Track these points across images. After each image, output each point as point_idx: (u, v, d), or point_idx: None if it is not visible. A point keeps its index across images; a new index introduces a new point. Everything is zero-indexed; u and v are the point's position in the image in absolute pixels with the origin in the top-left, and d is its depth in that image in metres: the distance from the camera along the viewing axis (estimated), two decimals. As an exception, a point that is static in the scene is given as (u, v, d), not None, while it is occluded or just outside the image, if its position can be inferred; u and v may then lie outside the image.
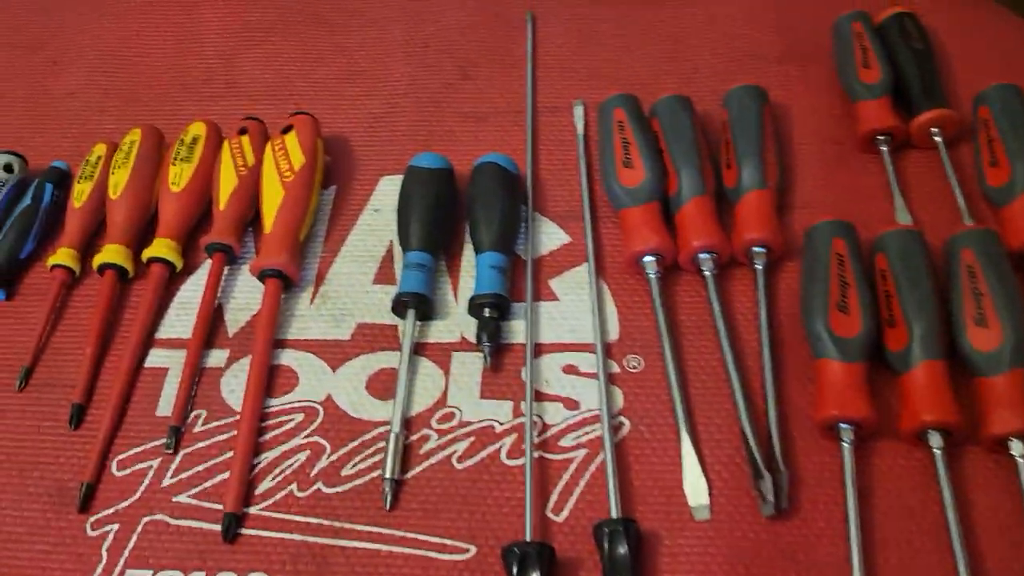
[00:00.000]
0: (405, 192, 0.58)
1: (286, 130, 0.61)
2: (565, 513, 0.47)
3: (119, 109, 0.70)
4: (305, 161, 0.59)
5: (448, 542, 0.47)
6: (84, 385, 0.54)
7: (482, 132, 0.64)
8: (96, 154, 0.63)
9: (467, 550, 0.46)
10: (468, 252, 0.58)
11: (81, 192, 0.61)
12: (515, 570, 0.43)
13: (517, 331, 0.54)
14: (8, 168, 0.63)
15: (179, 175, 0.60)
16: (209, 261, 0.59)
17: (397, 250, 0.58)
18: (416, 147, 0.62)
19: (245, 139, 0.61)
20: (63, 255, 0.59)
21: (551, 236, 0.58)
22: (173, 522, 0.49)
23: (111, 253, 0.58)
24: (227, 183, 0.59)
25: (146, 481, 0.51)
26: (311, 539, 0.48)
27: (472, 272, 0.57)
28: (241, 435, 0.51)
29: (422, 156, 0.59)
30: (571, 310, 0.55)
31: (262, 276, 0.56)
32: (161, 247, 0.58)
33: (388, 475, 0.49)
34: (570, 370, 0.52)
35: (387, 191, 0.62)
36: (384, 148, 0.65)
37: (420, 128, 0.65)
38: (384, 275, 0.58)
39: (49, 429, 0.53)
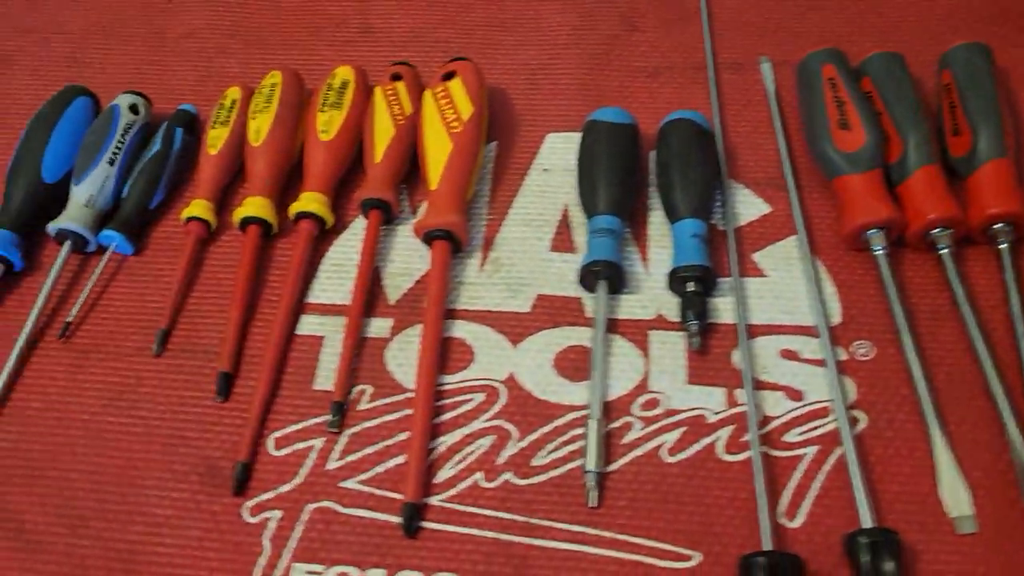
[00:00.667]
0: (587, 149, 0.52)
1: (448, 76, 0.54)
2: (800, 519, 0.41)
3: (244, 52, 0.64)
4: (474, 111, 0.53)
5: (666, 547, 0.41)
6: (230, 352, 0.48)
7: (658, 89, 0.58)
8: (230, 98, 0.56)
9: (690, 557, 0.40)
10: (655, 220, 0.52)
11: (216, 138, 0.55)
12: (762, 584, 0.37)
13: (723, 310, 0.48)
14: (134, 109, 0.57)
15: (328, 123, 0.54)
16: (360, 219, 0.53)
17: (574, 215, 0.52)
18: (585, 103, 0.56)
19: (400, 85, 0.55)
20: (199, 207, 0.53)
21: (748, 205, 0.52)
22: (343, 511, 0.43)
23: (255, 206, 0.52)
24: (382, 133, 0.53)
25: (309, 463, 0.45)
26: (504, 537, 0.42)
27: (660, 242, 0.51)
28: (417, 415, 0.45)
29: (604, 110, 0.53)
30: (782, 288, 0.48)
31: (428, 238, 0.50)
32: (311, 201, 0.52)
33: (591, 467, 0.42)
34: (789, 355, 0.46)
35: (556, 149, 0.55)
36: (548, 103, 0.58)
37: (587, 82, 0.59)
38: (562, 242, 0.52)
39: (193, 400, 0.47)
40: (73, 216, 0.52)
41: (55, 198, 0.54)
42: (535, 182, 0.54)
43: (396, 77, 0.55)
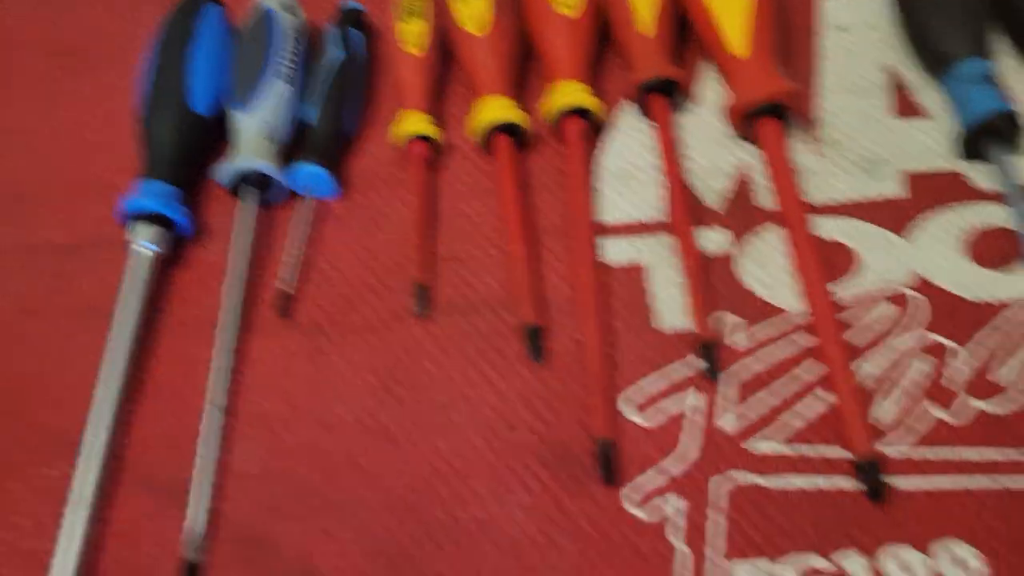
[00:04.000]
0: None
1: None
2: None
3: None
4: (758, -46, 0.41)
5: None
6: (532, 299, 0.36)
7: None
8: (417, -16, 0.44)
9: None
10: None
11: (414, 34, 0.41)
12: None
13: None
14: (291, 9, 0.43)
15: (569, -3, 0.41)
16: (626, 116, 0.41)
17: (907, 74, 0.41)
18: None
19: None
20: (418, 122, 0.40)
21: None
22: (772, 483, 0.31)
23: (500, 109, 0.39)
24: (647, -4, 0.41)
25: (693, 426, 0.33)
26: (1008, 481, 0.31)
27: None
28: (827, 340, 0.32)
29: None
30: None
31: (753, 116, 0.38)
32: (577, 93, 0.39)
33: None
34: None
35: (845, 4, 0.44)
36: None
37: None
38: (905, 106, 0.41)
39: (494, 368, 0.34)
40: (254, 151, 0.39)
41: (210, 135, 0.41)
42: (833, 43, 0.43)
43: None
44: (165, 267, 0.38)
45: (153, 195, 0.37)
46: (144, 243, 0.37)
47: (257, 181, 0.39)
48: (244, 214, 0.38)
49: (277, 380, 0.35)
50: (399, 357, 0.35)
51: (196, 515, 0.31)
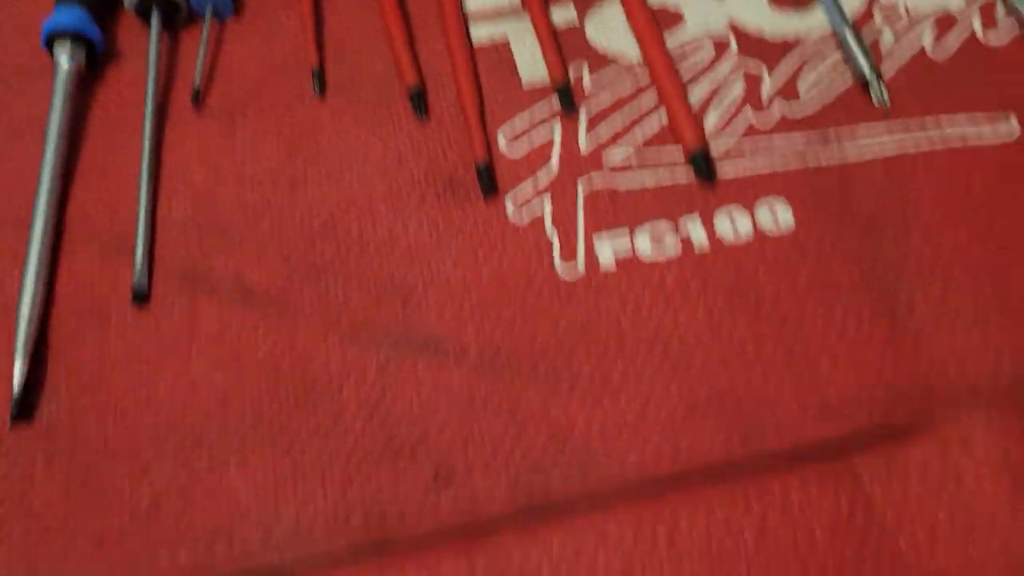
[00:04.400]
0: None
1: None
2: (1090, 69, 0.40)
3: None
4: None
5: (978, 114, 0.38)
6: (411, 67, 0.41)
7: None
8: None
9: (1007, 118, 0.38)
10: None
11: None
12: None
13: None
14: None
15: None
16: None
17: None
18: None
19: None
20: (299, -56, 0.45)
21: None
22: (621, 179, 0.38)
23: (371, -75, 0.45)
24: None
25: (557, 149, 0.39)
26: (808, 159, 0.37)
27: None
28: (659, 72, 0.40)
29: None
30: None
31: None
32: (435, -92, 0.45)
33: (867, 73, 0.39)
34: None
35: None
36: None
37: None
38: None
39: (385, 131, 0.40)
40: (155, -24, 0.44)
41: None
42: None
43: None
44: (88, 86, 0.43)
45: (68, 14, 0.42)
46: (63, 58, 0.41)
47: (161, 4, 0.43)
48: (153, 30, 0.43)
49: (198, 156, 0.40)
50: (302, 129, 0.40)
51: (140, 254, 0.36)
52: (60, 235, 0.38)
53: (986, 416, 0.31)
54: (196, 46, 0.44)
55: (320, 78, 0.42)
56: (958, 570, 0.28)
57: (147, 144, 0.39)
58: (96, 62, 0.43)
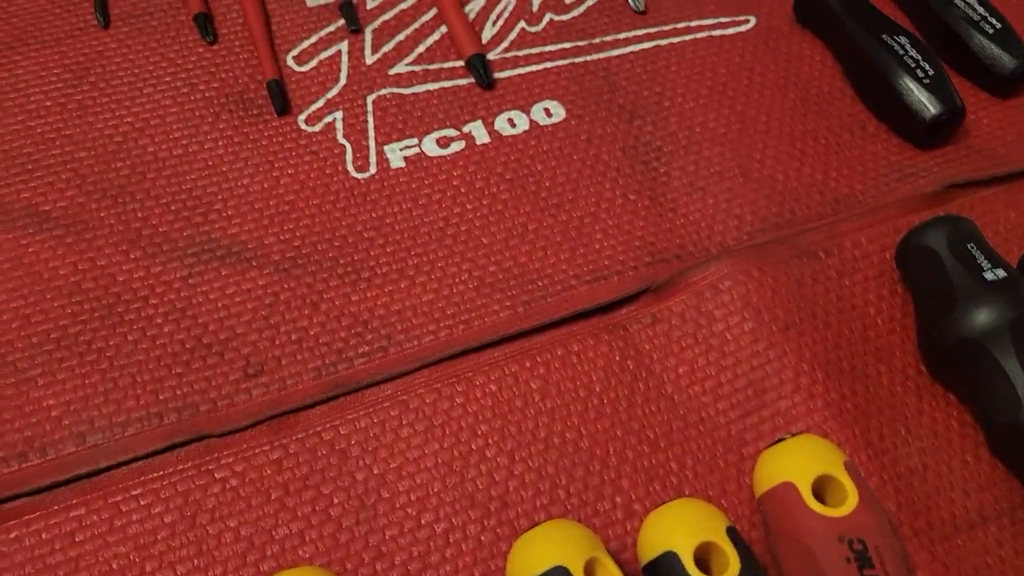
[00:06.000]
0: None
1: None
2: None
3: None
4: None
5: (723, 19, 0.43)
6: (194, -5, 0.42)
7: None
8: None
9: (747, 20, 0.43)
10: None
11: None
12: None
13: None
14: None
15: None
16: None
17: None
18: None
19: None
20: None
21: None
22: (407, 91, 0.40)
23: None
24: None
25: (344, 65, 0.41)
26: (576, 60, 0.41)
27: None
28: (437, -14, 0.42)
29: None
30: None
31: None
32: None
33: (626, -21, 0.43)
34: None
35: None
36: None
37: None
38: None
39: (178, 54, 0.41)
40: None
41: None
42: None
43: None
44: None
45: None
46: None
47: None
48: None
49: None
50: (89, 59, 0.41)
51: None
52: None
53: (731, 266, 0.35)
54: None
55: (103, 9, 0.42)
56: (711, 395, 0.33)
57: (-78, 82, 0.39)
58: None
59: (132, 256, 0.35)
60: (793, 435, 0.30)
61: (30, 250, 0.35)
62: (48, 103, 0.39)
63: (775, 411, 0.32)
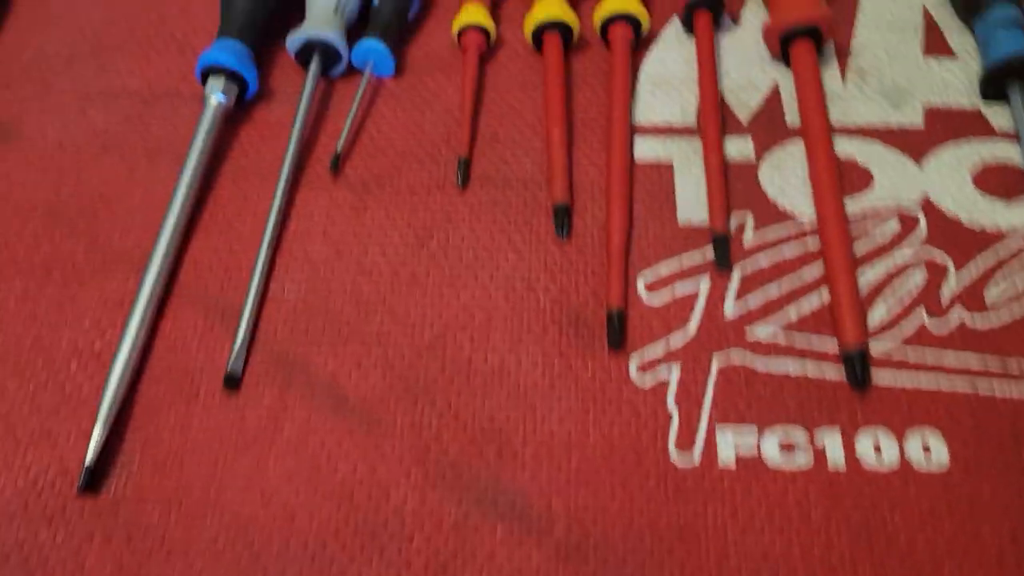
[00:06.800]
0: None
1: None
2: None
3: None
4: None
5: None
6: (563, 180, 0.38)
7: None
8: None
9: None
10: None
11: (480, -67, 0.44)
12: None
13: None
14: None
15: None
16: (672, 27, 0.43)
17: (941, 13, 0.43)
18: None
19: None
20: (475, 13, 0.42)
21: None
22: (761, 363, 0.34)
23: (553, 8, 0.42)
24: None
25: (699, 309, 0.36)
26: (980, 387, 0.33)
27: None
28: (832, 244, 0.35)
29: None
30: None
31: (789, 38, 0.41)
32: (626, 1, 0.42)
33: (1075, 298, 0.34)
34: None
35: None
36: None
37: None
38: (935, 45, 0.43)
39: (523, 239, 0.37)
40: (322, 23, 0.42)
41: (285, 4, 0.44)
42: (877, -19, 0.45)
43: None
44: (232, 122, 0.42)
45: (228, 51, 0.40)
46: (216, 93, 0.40)
47: (323, 51, 0.42)
48: (310, 78, 0.41)
49: (323, 228, 0.38)
50: (436, 219, 0.38)
51: (241, 337, 0.35)
52: (171, 284, 0.37)
53: None
54: (348, 99, 0.42)
55: (466, 169, 0.39)
56: None
57: (276, 204, 0.38)
58: (244, 99, 0.42)
59: (412, 476, 0.32)
60: None
61: (318, 432, 0.33)
62: (382, 264, 0.37)
63: None
